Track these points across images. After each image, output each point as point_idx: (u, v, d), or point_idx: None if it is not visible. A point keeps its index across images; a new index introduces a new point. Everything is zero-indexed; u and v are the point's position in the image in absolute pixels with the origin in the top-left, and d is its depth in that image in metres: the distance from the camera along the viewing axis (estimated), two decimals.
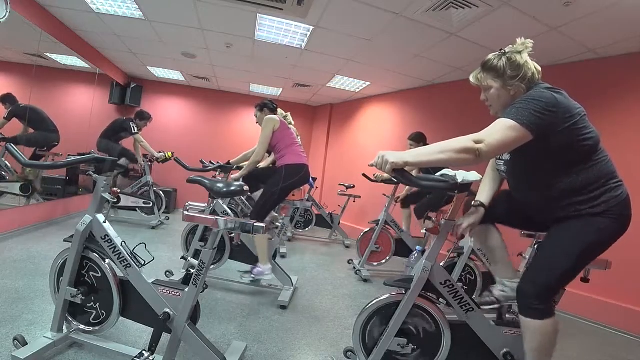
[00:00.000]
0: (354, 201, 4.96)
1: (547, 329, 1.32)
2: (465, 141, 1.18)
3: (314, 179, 4.91)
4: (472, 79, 1.43)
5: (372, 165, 1.25)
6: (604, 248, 1.33)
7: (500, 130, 1.19)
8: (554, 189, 1.32)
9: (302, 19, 3.12)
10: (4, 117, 3.51)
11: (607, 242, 1.32)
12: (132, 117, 4.61)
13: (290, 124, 4.06)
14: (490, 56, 1.37)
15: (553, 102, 1.21)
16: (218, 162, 3.58)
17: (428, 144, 3.56)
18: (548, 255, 1.36)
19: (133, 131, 4.46)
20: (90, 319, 1.63)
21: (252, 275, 2.59)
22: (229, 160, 3.35)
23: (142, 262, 1.58)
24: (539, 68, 1.35)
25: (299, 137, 3.77)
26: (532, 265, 1.42)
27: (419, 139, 3.53)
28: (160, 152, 4.58)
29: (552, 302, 1.35)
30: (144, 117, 4.67)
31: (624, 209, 1.30)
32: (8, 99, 3.56)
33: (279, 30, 3.50)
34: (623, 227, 1.31)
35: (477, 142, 1.17)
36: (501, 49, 1.37)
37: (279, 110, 4.08)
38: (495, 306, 1.60)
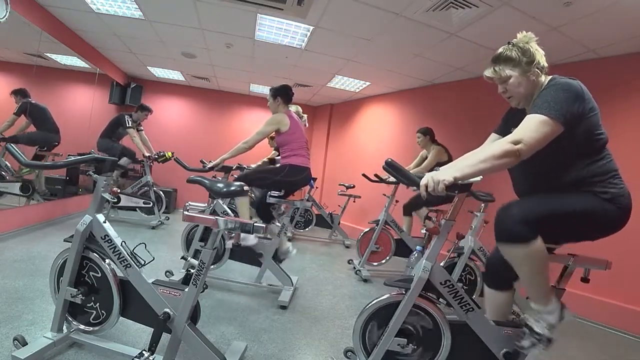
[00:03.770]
0: (354, 201, 4.96)
1: (536, 251, 1.26)
2: (503, 145, 1.18)
3: (314, 179, 4.91)
4: (487, 73, 1.41)
5: (424, 186, 1.22)
6: (600, 227, 1.31)
7: (535, 127, 1.19)
8: (560, 181, 1.32)
9: (302, 19, 3.12)
10: (14, 113, 3.52)
11: (605, 222, 1.30)
12: (130, 113, 4.63)
13: (301, 117, 4.07)
14: (501, 49, 1.39)
15: (581, 91, 1.24)
16: None
17: (436, 139, 3.64)
18: (547, 195, 1.33)
19: (127, 124, 4.46)
20: (90, 319, 1.63)
21: (241, 242, 2.56)
22: None
23: (142, 262, 1.58)
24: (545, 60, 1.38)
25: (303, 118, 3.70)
26: (528, 197, 1.37)
27: (426, 132, 3.71)
28: (160, 152, 4.58)
29: (535, 231, 1.27)
30: (145, 109, 4.71)
31: (628, 204, 1.31)
32: (20, 92, 3.58)
33: (279, 30, 3.50)
34: (622, 220, 1.31)
35: (515, 142, 1.18)
36: (508, 42, 1.39)
37: (294, 107, 4.08)
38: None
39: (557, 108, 1.20)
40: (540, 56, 1.35)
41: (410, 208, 3.69)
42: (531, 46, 1.35)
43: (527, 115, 1.25)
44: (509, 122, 1.53)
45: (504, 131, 1.52)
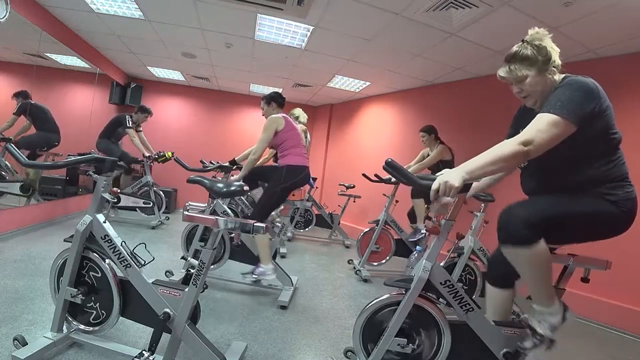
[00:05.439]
0: (354, 201, 4.96)
1: (539, 253, 1.24)
2: (513, 146, 1.16)
3: (314, 179, 4.92)
4: (502, 73, 1.36)
5: (436, 191, 1.19)
6: (603, 230, 1.31)
7: (546, 127, 1.17)
8: (573, 180, 1.31)
9: (302, 19, 3.12)
10: (14, 113, 3.53)
11: (609, 225, 1.29)
12: (130, 114, 4.64)
13: (303, 124, 4.09)
14: (516, 47, 1.34)
15: (596, 90, 1.21)
16: (218, 162, 3.58)
17: (439, 137, 3.61)
18: (553, 197, 1.31)
19: (127, 125, 4.46)
20: (90, 319, 1.63)
21: (254, 276, 2.60)
22: (234, 158, 3.36)
23: (142, 262, 1.58)
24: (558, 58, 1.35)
25: (307, 138, 3.76)
26: (532, 198, 1.34)
27: (430, 130, 3.66)
28: (160, 152, 4.59)
29: (538, 233, 1.25)
30: (145, 111, 4.72)
31: (633, 208, 1.30)
32: (21, 94, 3.59)
33: (279, 30, 3.50)
34: (627, 223, 1.30)
35: (525, 144, 1.16)
36: (523, 40, 1.35)
37: (297, 110, 4.12)
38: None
39: (570, 108, 1.17)
40: (556, 54, 1.31)
41: (414, 216, 3.70)
42: (546, 44, 1.31)
43: (539, 114, 1.21)
44: (519, 124, 1.48)
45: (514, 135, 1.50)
